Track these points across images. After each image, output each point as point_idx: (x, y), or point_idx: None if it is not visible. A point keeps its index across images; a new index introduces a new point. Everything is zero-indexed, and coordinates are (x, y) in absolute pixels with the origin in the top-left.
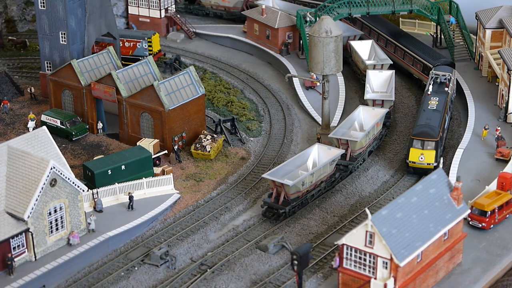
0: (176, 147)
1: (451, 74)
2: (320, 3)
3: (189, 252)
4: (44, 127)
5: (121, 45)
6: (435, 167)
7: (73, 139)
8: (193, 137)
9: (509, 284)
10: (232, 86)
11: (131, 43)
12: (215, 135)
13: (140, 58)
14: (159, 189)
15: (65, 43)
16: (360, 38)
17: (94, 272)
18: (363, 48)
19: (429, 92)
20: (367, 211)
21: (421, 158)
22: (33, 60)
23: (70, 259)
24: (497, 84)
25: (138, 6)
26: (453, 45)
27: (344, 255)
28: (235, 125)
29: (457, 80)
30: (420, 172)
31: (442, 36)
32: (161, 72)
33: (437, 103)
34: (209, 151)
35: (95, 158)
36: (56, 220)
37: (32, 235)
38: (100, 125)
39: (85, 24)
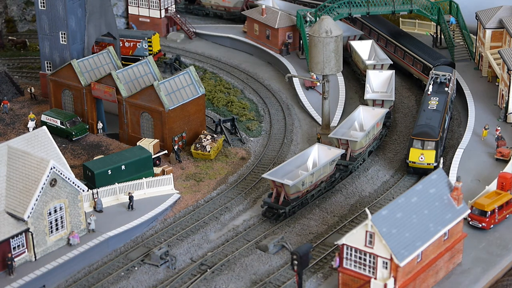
0: (176, 147)
1: (451, 74)
2: (320, 3)
3: (189, 252)
4: (44, 127)
5: (121, 45)
6: (435, 167)
7: (73, 139)
8: (193, 137)
9: (509, 284)
10: (232, 86)
11: (131, 43)
12: (215, 135)
13: (140, 58)
14: (159, 189)
15: (65, 43)
16: (360, 38)
17: (94, 272)
18: (363, 48)
19: (429, 92)
20: (367, 211)
21: (421, 158)
22: (33, 60)
23: (70, 259)
24: (497, 84)
25: (138, 6)
26: (453, 45)
27: (344, 255)
28: (235, 125)
29: (457, 80)
30: (420, 172)
31: (442, 36)
32: (161, 72)
33: (437, 103)
34: (209, 151)
35: (95, 158)
36: (56, 220)
37: (32, 235)
38: (100, 125)
39: (85, 24)
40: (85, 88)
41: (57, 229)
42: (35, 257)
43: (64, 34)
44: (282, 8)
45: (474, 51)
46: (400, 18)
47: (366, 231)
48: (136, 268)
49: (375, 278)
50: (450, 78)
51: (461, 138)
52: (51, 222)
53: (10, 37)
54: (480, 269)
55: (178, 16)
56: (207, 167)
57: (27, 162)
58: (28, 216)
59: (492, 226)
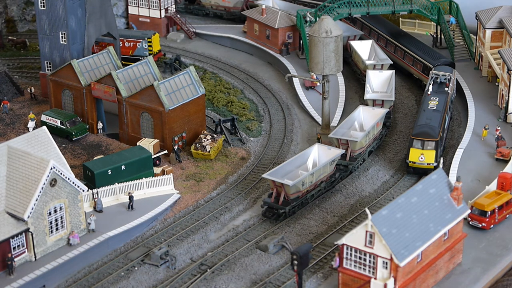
0: (176, 147)
1: (451, 74)
2: (320, 3)
3: (189, 252)
4: (44, 127)
5: (121, 45)
6: (435, 167)
7: (73, 139)
8: (193, 137)
9: (509, 284)
10: (232, 86)
11: (131, 43)
12: (215, 135)
13: (140, 58)
14: (159, 189)
15: (65, 43)
16: (360, 38)
17: (94, 272)
18: (363, 48)
19: (429, 92)
20: (367, 211)
21: (421, 158)
22: (33, 60)
23: (70, 259)
24: (497, 84)
25: (138, 6)
26: (453, 45)
27: (344, 255)
28: (235, 125)
29: (457, 80)
30: (420, 172)
31: (442, 36)
32: (161, 72)
33: (437, 103)
34: (209, 151)
35: (95, 158)
36: (56, 220)
37: (32, 235)
38: (100, 125)
39: (85, 24)
40: (85, 88)
41: (57, 229)
42: (35, 257)
43: (64, 34)
44: (282, 8)
45: (474, 51)
46: (400, 18)
47: (366, 231)
48: (136, 268)
49: (375, 278)
50: (450, 78)
51: (461, 138)
52: (51, 222)
53: (10, 37)
54: (480, 269)
55: (178, 16)
56: (207, 167)
57: (27, 162)
58: (28, 216)
59: (492, 226)
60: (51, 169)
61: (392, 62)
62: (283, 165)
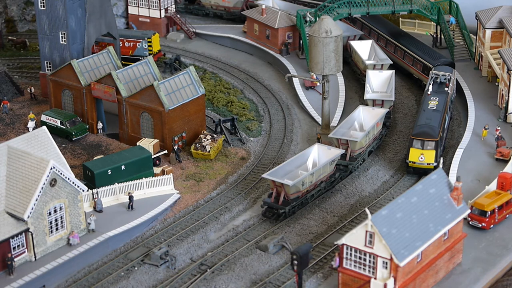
0: (176, 147)
1: (451, 74)
2: (320, 3)
3: (189, 252)
4: (44, 127)
5: (121, 45)
6: (435, 167)
7: (73, 139)
8: (193, 137)
9: (509, 284)
10: (232, 86)
11: (131, 43)
12: (215, 135)
13: (140, 58)
14: (159, 189)
15: (65, 43)
16: (360, 38)
17: (94, 272)
18: (363, 48)
19: (429, 92)
20: (367, 211)
21: (421, 158)
22: (33, 60)
23: (70, 259)
24: (497, 84)
25: (138, 6)
26: (453, 45)
27: (344, 255)
28: (235, 125)
29: (457, 80)
30: (420, 172)
31: (442, 36)
32: (161, 72)
33: (437, 103)
34: (209, 151)
35: (95, 158)
36: (56, 220)
37: (32, 235)
38: (100, 125)
39: (85, 24)
40: (85, 88)
41: (57, 229)
42: (35, 257)
43: (64, 34)
44: (282, 8)
45: (474, 51)
46: (400, 18)
47: (366, 231)
48: (136, 268)
49: (375, 278)
50: (450, 78)
51: (461, 138)
52: (51, 222)
53: (10, 37)
54: (480, 269)
55: (178, 16)
56: (207, 167)
57: (27, 162)
58: (28, 216)
59: (492, 226)
60: (51, 169)
61: (392, 62)
62: (283, 165)
